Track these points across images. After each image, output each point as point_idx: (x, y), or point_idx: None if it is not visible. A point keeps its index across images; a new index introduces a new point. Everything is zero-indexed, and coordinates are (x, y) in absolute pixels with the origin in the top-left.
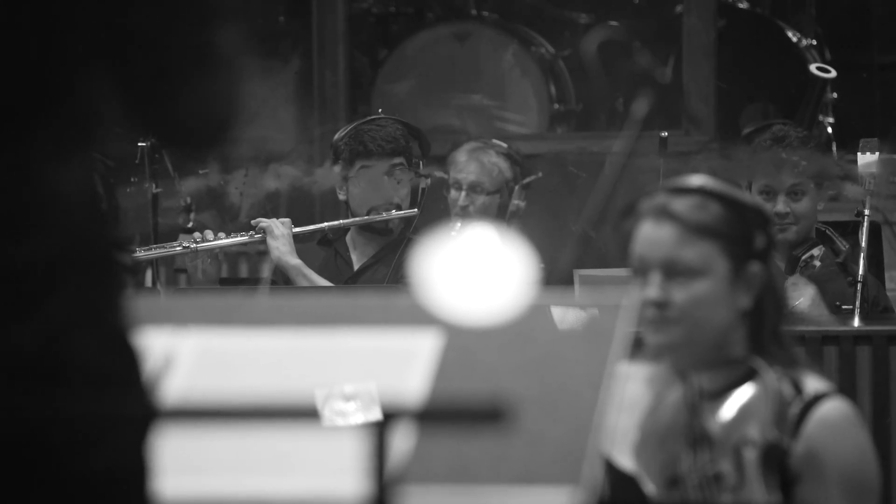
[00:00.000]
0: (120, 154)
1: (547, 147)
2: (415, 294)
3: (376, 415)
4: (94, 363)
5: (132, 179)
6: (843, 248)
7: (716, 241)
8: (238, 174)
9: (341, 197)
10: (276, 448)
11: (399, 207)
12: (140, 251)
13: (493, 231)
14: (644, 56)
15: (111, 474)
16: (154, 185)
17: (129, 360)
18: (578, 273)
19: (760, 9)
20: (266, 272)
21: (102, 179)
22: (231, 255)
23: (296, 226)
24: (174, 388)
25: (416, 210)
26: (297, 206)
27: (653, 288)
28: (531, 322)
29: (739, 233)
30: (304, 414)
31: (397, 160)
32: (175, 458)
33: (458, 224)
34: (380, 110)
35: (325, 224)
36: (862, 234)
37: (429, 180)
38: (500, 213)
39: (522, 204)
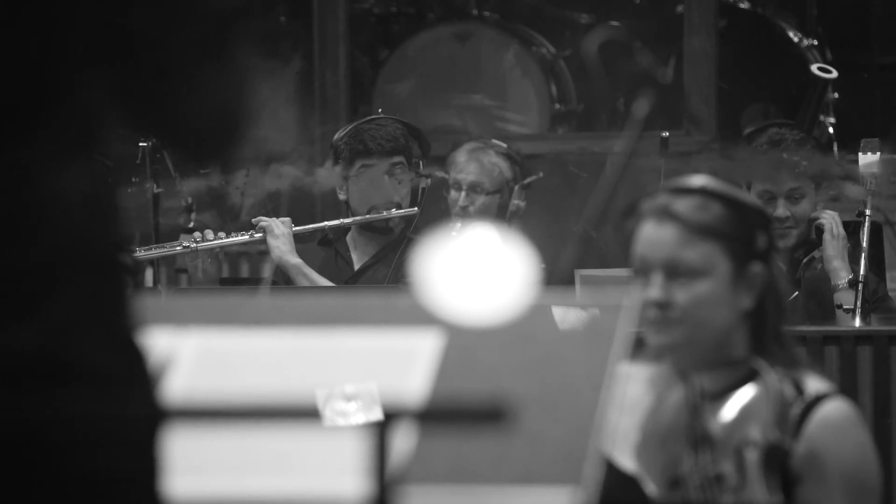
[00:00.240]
0: (121, 154)
1: (548, 147)
2: (416, 294)
3: (377, 415)
4: (97, 363)
5: (133, 179)
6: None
7: (717, 241)
8: (239, 174)
9: (341, 197)
10: (276, 448)
11: (399, 206)
12: (140, 251)
13: (494, 231)
14: (645, 56)
15: (115, 474)
16: (155, 185)
17: (131, 361)
18: (579, 273)
19: (761, 9)
20: (267, 272)
21: (103, 179)
22: (232, 255)
23: (296, 225)
24: (175, 388)
25: (416, 209)
26: (298, 207)
27: (654, 288)
28: (532, 322)
29: (741, 233)
30: (305, 414)
31: (397, 159)
32: (176, 458)
33: (459, 224)
34: (379, 110)
35: (326, 223)
36: (863, 234)
37: (429, 180)
38: (500, 214)
39: (523, 204)
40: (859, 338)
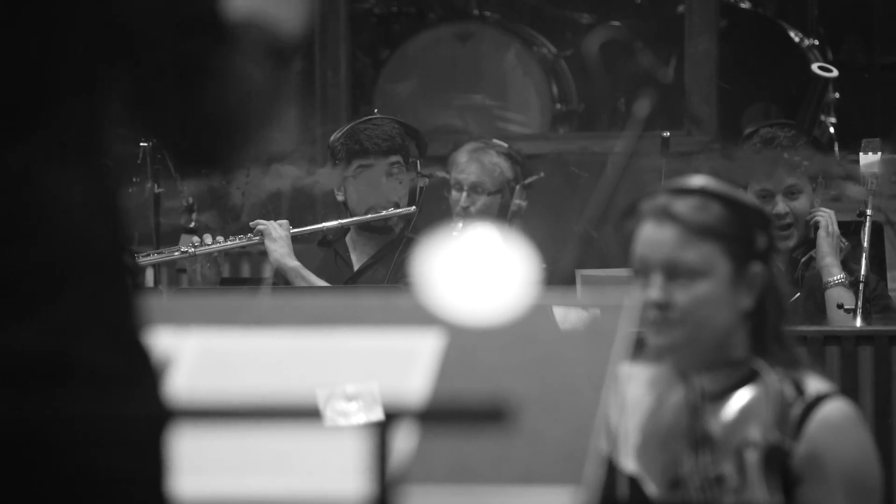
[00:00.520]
0: (121, 154)
1: (549, 147)
2: (416, 294)
3: (378, 415)
4: (98, 364)
5: (134, 179)
6: (843, 246)
7: (717, 242)
8: (240, 174)
9: (339, 198)
10: (277, 448)
11: (397, 206)
12: (139, 256)
13: (495, 231)
14: (646, 56)
15: (117, 475)
16: (156, 186)
17: (133, 361)
18: (580, 273)
19: (762, 9)
20: (268, 272)
21: (104, 179)
22: (233, 256)
23: (295, 226)
24: (176, 388)
25: (414, 208)
26: (299, 207)
27: (654, 289)
28: (533, 322)
29: (741, 233)
30: (306, 414)
31: (394, 159)
32: (177, 458)
33: (460, 224)
34: (375, 110)
35: (324, 224)
36: (864, 234)
37: (426, 179)
38: (501, 214)
39: (524, 204)
40: (860, 338)
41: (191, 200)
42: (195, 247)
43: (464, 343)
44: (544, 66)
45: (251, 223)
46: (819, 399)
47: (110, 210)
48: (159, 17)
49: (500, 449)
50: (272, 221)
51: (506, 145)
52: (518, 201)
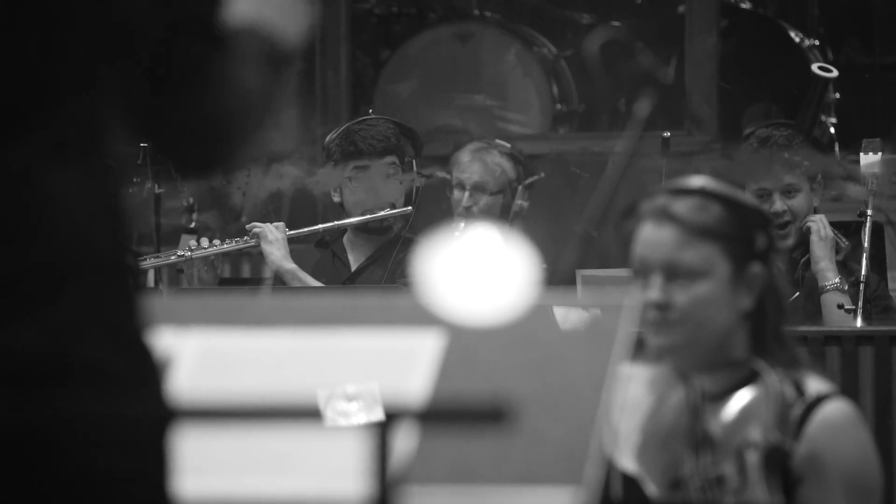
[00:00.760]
0: (122, 154)
1: (549, 147)
2: (417, 294)
3: (378, 415)
4: (99, 364)
5: (134, 180)
6: (843, 246)
7: (717, 242)
8: (240, 174)
9: (335, 199)
10: (278, 448)
11: (394, 207)
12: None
13: (496, 231)
14: (646, 56)
15: (118, 475)
16: (156, 186)
17: (134, 361)
18: (581, 273)
19: (763, 9)
20: (268, 273)
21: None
22: (233, 256)
23: (295, 227)
24: (176, 388)
25: (410, 208)
26: (300, 207)
27: (654, 290)
28: (533, 322)
29: (740, 234)
30: (307, 414)
31: (389, 159)
32: (177, 458)
33: (462, 224)
34: (370, 110)
35: (320, 226)
36: (864, 234)
37: (423, 179)
38: (503, 214)
39: (526, 204)
40: (860, 338)
41: (191, 200)
42: (191, 250)
43: (464, 343)
44: (545, 66)
45: (247, 226)
46: (819, 399)
47: (110, 210)
48: (158, 19)
49: (501, 449)
50: (268, 224)
51: (508, 145)
52: (520, 202)
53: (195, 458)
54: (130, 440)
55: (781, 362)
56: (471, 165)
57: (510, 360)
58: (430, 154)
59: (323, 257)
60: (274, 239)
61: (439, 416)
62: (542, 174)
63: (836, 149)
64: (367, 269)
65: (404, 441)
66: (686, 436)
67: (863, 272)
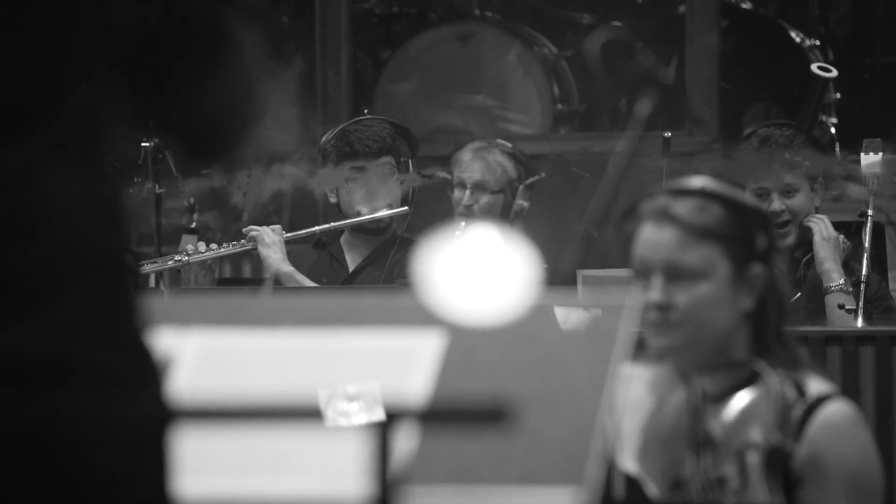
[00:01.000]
0: (123, 154)
1: (550, 147)
2: (417, 294)
3: (379, 415)
4: (99, 364)
5: (135, 180)
6: (845, 246)
7: (717, 243)
8: (241, 174)
9: (332, 200)
10: (278, 448)
11: (391, 207)
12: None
13: (497, 231)
14: (647, 56)
15: (118, 475)
16: (157, 186)
17: (134, 361)
18: (581, 273)
19: (763, 9)
20: (269, 273)
21: (108, 180)
22: (234, 255)
23: (295, 227)
24: (177, 388)
25: (407, 208)
26: (300, 207)
27: (655, 291)
28: (534, 322)
29: (741, 234)
30: (307, 414)
31: (385, 160)
32: (178, 458)
33: (462, 223)
34: (365, 111)
35: (317, 228)
36: (865, 234)
37: (419, 178)
38: (503, 213)
39: (526, 204)
40: (861, 338)
41: (192, 200)
42: (189, 255)
43: (465, 343)
44: (545, 66)
45: (244, 230)
46: (820, 400)
47: (110, 210)
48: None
49: (501, 449)
50: (265, 227)
51: (510, 145)
52: (520, 201)
53: (196, 459)
54: (130, 440)
55: (782, 363)
56: (472, 164)
57: (511, 360)
58: (430, 154)
59: (320, 258)
60: (271, 242)
61: (440, 416)
62: (543, 174)
63: (837, 149)
64: (365, 270)
65: (405, 441)
66: (687, 436)
67: (863, 272)
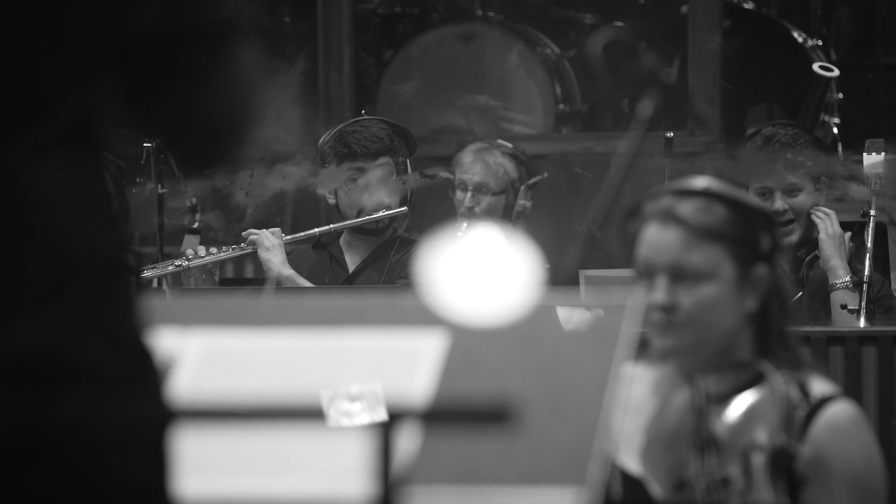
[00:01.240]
0: (125, 154)
1: (552, 148)
2: (420, 294)
3: (382, 415)
4: (101, 365)
5: (138, 180)
6: (848, 246)
7: (722, 244)
8: (243, 174)
9: (330, 201)
10: (281, 449)
11: (389, 207)
12: None
13: (499, 232)
14: (649, 56)
15: (120, 476)
16: (159, 186)
17: (136, 361)
18: (584, 273)
19: (766, 9)
20: (269, 276)
21: (114, 180)
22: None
23: (297, 228)
24: (180, 388)
25: (405, 208)
26: (303, 207)
27: (659, 292)
28: (537, 323)
29: (745, 235)
30: (310, 414)
31: (383, 160)
32: (180, 459)
33: (464, 224)
34: (363, 112)
35: (316, 230)
36: (868, 234)
37: (420, 179)
38: (505, 214)
39: (528, 204)
40: (864, 338)
41: (194, 201)
42: (189, 259)
43: (467, 343)
44: (548, 66)
45: (244, 233)
46: (824, 401)
47: (111, 210)
48: (159, 18)
49: (504, 449)
50: (264, 230)
51: (510, 146)
52: (522, 202)
53: (199, 459)
54: (132, 441)
55: (786, 363)
56: (473, 166)
57: (513, 360)
58: (432, 154)
59: (320, 259)
60: (271, 245)
61: (443, 416)
62: (545, 174)
63: (840, 149)
64: (365, 271)
65: (408, 441)
66: (691, 437)
67: (866, 272)
